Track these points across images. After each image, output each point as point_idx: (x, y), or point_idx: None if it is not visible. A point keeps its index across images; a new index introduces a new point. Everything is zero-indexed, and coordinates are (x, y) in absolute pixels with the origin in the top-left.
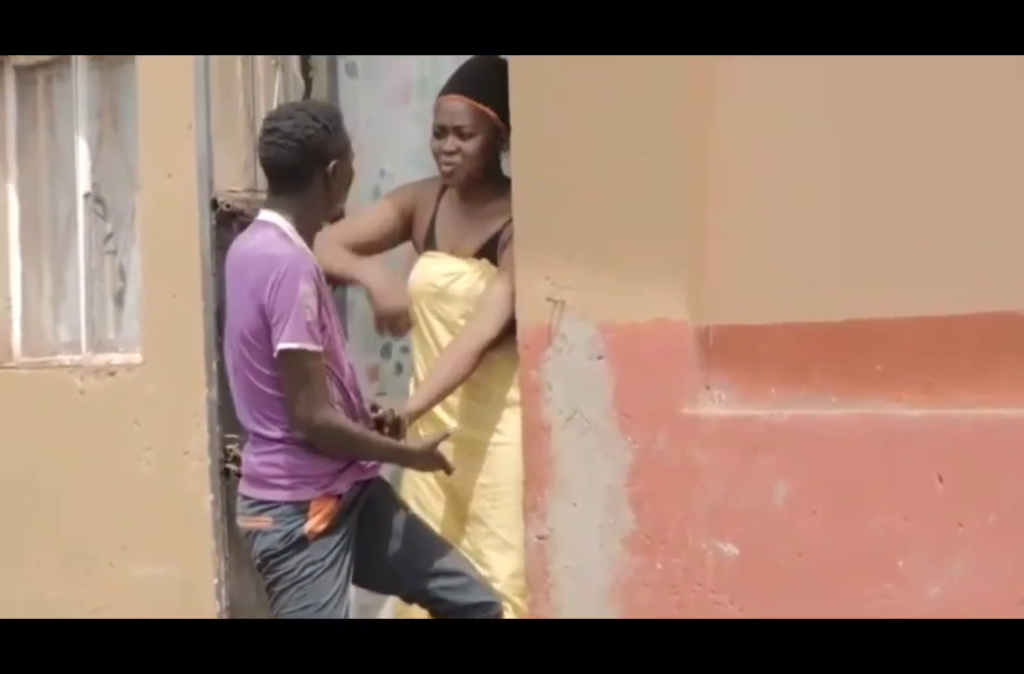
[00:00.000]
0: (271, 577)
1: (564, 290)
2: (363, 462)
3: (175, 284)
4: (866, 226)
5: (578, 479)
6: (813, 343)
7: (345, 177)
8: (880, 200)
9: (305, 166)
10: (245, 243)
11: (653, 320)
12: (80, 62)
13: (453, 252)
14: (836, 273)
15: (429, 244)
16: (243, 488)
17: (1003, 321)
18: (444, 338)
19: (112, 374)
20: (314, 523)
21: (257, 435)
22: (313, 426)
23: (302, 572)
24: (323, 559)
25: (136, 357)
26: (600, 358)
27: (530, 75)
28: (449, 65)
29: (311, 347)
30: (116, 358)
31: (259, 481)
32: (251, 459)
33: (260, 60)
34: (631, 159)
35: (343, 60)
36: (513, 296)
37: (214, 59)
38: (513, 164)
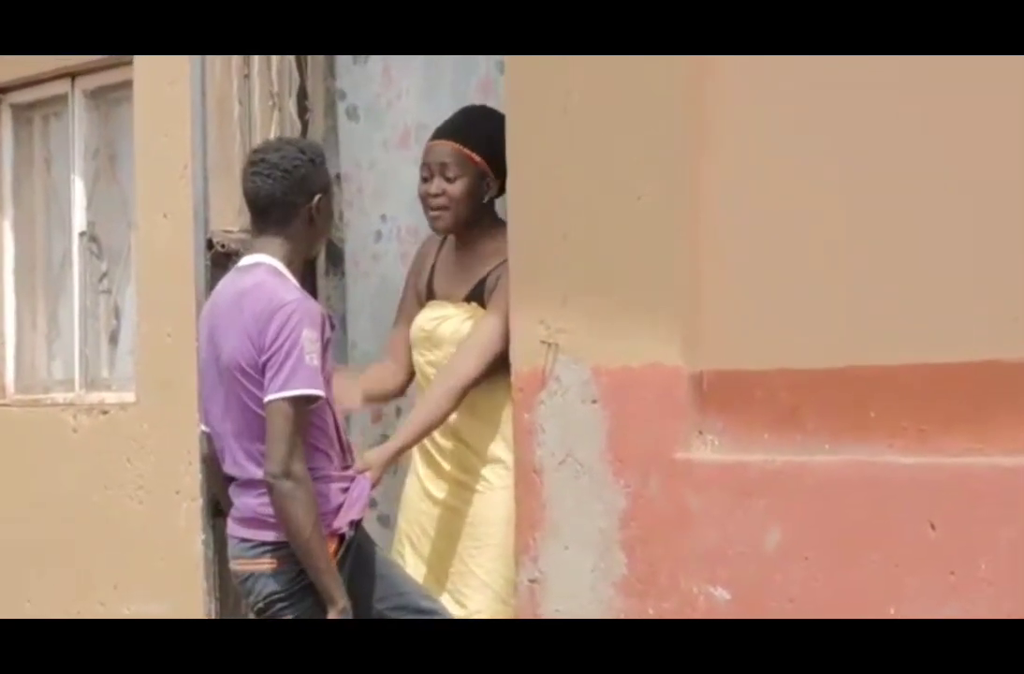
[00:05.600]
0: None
1: (558, 334)
2: (353, 498)
3: (169, 323)
4: (861, 273)
5: (570, 523)
6: (807, 389)
7: (328, 214)
8: (875, 248)
9: (290, 198)
10: (236, 283)
11: (647, 364)
12: (77, 101)
13: (447, 298)
14: (830, 319)
15: (429, 294)
16: (239, 531)
17: (996, 369)
18: None
19: (105, 413)
20: None
21: (253, 476)
22: (291, 476)
23: (312, 616)
24: None
25: (129, 396)
26: (594, 402)
27: (527, 120)
28: (449, 110)
29: (313, 392)
30: (109, 397)
31: (260, 522)
32: (249, 501)
33: (257, 101)
34: (627, 204)
35: (343, 103)
36: (500, 336)
37: (211, 99)
38: (509, 208)
